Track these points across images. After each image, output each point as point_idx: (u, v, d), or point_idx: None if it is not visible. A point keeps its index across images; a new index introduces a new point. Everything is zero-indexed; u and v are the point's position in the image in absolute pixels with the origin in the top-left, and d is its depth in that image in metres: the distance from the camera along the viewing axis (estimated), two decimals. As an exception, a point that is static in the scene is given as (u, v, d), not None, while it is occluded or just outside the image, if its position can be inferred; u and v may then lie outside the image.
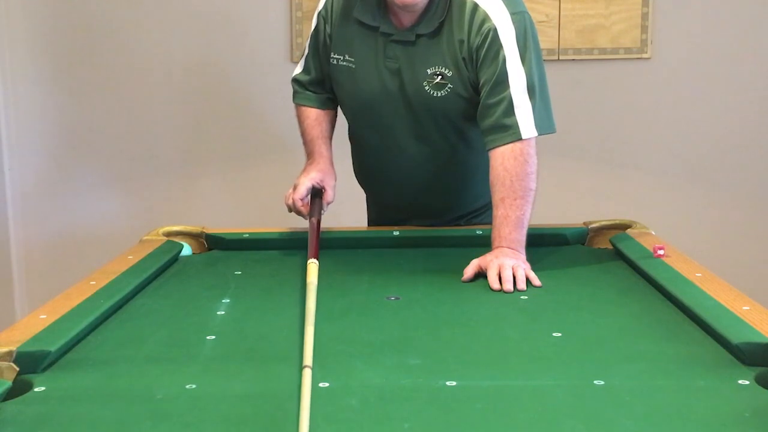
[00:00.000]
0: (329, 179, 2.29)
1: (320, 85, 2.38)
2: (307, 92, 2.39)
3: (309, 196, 2.25)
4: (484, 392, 1.36)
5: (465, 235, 2.31)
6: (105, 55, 3.65)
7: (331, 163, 2.34)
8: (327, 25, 2.29)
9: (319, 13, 2.32)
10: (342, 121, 2.46)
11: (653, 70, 3.62)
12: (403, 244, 2.31)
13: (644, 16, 3.56)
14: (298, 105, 2.41)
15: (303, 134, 2.39)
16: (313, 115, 2.38)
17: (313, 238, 2.08)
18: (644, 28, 3.57)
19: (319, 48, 2.33)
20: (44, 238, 3.73)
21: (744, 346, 1.46)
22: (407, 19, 2.19)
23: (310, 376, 1.36)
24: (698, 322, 1.63)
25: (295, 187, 2.24)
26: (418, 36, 2.18)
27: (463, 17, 2.13)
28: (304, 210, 2.23)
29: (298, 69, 2.41)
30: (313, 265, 1.90)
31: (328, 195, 2.27)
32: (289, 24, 3.60)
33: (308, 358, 1.45)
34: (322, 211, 2.24)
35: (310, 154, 2.35)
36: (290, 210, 2.25)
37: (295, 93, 2.42)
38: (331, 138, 2.39)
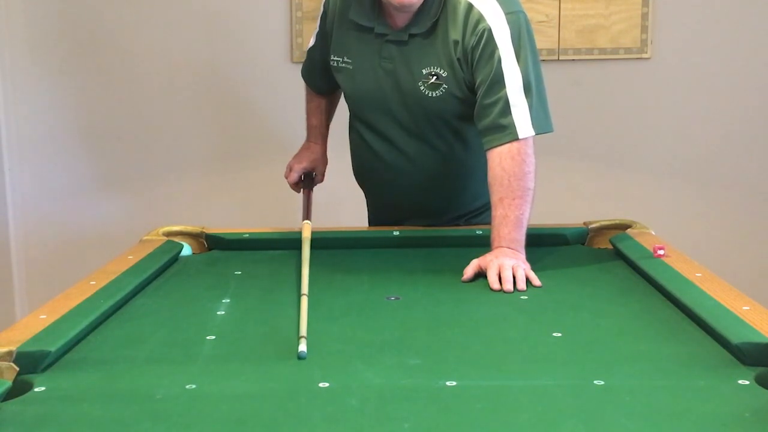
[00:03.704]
0: (321, 166, 2.58)
1: (324, 70, 2.41)
2: (313, 75, 2.50)
3: (301, 178, 2.55)
4: (484, 392, 1.36)
5: (464, 235, 2.31)
6: (105, 56, 3.64)
7: (324, 152, 2.59)
8: (327, 20, 2.33)
9: (325, 4, 2.35)
10: (343, 121, 2.47)
11: (653, 70, 3.62)
12: (403, 244, 2.31)
13: (644, 16, 3.56)
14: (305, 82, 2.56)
15: (306, 113, 2.59)
16: (315, 101, 2.56)
17: (307, 205, 2.40)
18: (644, 28, 3.56)
19: (323, 34, 2.38)
20: (44, 238, 3.73)
21: (744, 346, 1.46)
22: (401, 20, 2.19)
23: (307, 301, 1.69)
24: (698, 322, 1.63)
25: (290, 169, 2.52)
26: (411, 36, 2.18)
27: (457, 17, 2.13)
28: (297, 189, 2.54)
29: (312, 41, 2.47)
30: (307, 225, 2.20)
31: (318, 179, 2.59)
32: (289, 24, 3.60)
33: (305, 287, 1.78)
34: (313, 187, 2.57)
35: (307, 139, 2.59)
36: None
37: (304, 68, 2.53)
38: (328, 123, 2.60)
